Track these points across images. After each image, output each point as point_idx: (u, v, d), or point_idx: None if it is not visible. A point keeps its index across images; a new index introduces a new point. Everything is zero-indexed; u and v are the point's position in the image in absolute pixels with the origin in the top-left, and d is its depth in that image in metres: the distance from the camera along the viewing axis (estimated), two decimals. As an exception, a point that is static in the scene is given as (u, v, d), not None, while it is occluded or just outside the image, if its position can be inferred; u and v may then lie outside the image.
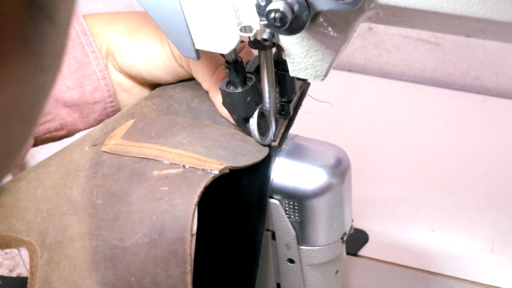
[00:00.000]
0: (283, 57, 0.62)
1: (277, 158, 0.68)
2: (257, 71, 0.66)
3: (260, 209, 0.69)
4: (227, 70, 0.65)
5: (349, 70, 1.34)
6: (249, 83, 0.65)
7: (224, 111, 0.69)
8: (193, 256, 0.62)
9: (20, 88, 0.31)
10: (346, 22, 0.57)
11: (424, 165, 1.10)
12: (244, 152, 0.66)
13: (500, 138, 1.13)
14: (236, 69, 0.64)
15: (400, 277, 0.94)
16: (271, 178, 0.68)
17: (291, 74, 0.62)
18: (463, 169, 1.08)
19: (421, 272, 0.94)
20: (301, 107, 0.71)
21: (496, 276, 0.93)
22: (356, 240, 0.97)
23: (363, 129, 1.17)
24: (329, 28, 0.58)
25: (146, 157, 0.66)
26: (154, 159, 0.65)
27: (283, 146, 0.69)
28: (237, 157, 0.65)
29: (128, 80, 0.75)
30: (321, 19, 0.57)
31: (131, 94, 0.75)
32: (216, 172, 0.62)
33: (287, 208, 0.68)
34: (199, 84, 0.71)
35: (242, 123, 0.67)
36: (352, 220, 0.72)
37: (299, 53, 0.60)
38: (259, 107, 0.66)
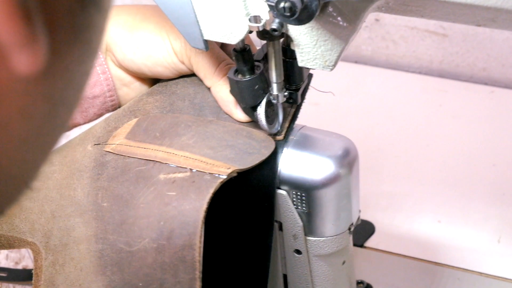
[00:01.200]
0: (292, 47, 0.62)
1: (284, 149, 0.68)
2: (265, 59, 0.66)
3: (268, 205, 0.68)
4: (235, 58, 0.64)
5: (356, 62, 1.33)
6: (257, 71, 0.65)
7: (226, 108, 0.69)
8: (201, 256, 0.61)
9: (67, 77, 0.31)
10: (355, 12, 0.57)
11: (431, 157, 1.10)
12: (250, 150, 0.65)
13: (507, 129, 1.13)
14: (244, 57, 0.64)
15: (407, 268, 0.94)
16: (279, 169, 0.68)
17: (300, 64, 0.62)
18: (470, 160, 1.08)
19: (428, 263, 0.94)
20: (308, 99, 0.71)
21: (503, 267, 0.93)
22: (362, 232, 0.97)
23: (370, 121, 1.17)
24: (339, 18, 0.57)
25: (151, 159, 0.65)
26: (160, 162, 0.64)
27: (291, 137, 0.69)
28: (243, 157, 0.65)
29: (128, 75, 0.74)
30: (330, 9, 0.57)
31: (131, 88, 0.75)
32: (224, 176, 0.62)
33: (294, 199, 0.68)
34: (201, 79, 0.71)
35: (250, 111, 0.67)
36: (360, 211, 0.72)
37: (308, 43, 0.60)
38: (266, 95, 0.66)
